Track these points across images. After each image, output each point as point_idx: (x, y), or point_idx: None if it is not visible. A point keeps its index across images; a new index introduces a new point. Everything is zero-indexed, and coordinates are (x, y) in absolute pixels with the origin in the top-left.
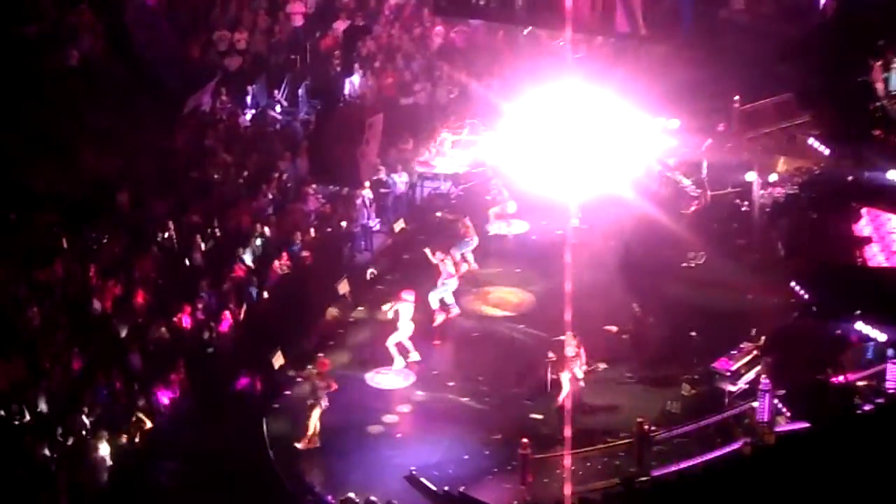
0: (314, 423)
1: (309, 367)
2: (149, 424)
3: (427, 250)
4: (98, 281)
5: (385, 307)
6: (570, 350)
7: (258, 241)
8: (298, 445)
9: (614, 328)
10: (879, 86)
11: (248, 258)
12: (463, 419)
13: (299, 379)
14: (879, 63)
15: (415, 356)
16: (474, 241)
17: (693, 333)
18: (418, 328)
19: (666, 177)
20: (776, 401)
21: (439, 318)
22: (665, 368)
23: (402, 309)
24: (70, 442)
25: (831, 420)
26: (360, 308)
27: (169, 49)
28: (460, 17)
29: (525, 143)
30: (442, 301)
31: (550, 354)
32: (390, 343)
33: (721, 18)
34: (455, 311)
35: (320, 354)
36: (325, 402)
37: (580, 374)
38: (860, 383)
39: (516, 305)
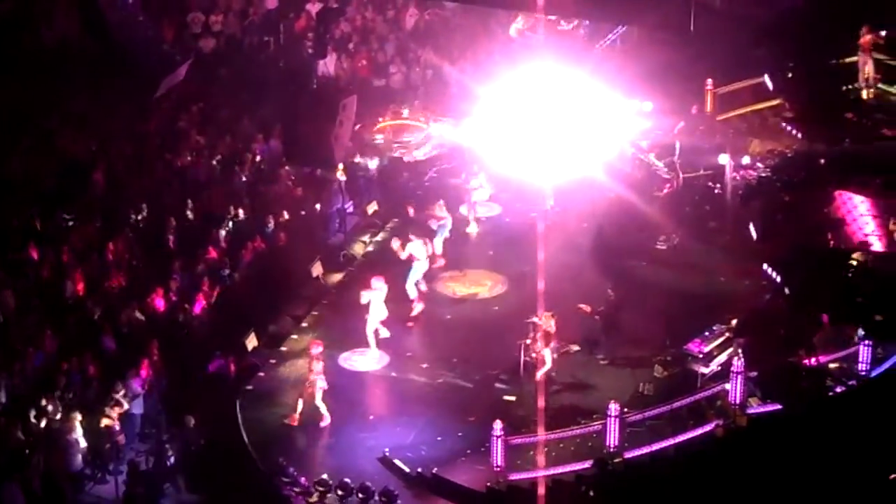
0: (320, 403)
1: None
2: (123, 407)
3: (394, 241)
4: (72, 263)
5: (363, 297)
6: (547, 327)
7: (231, 223)
8: (288, 421)
9: (587, 308)
10: (868, 67)
11: (221, 240)
12: (436, 401)
13: (271, 362)
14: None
15: (384, 332)
16: (449, 222)
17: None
18: (392, 311)
19: (639, 159)
20: (748, 383)
21: (418, 308)
22: (637, 350)
23: (374, 296)
24: (43, 425)
25: (803, 402)
26: (332, 290)
27: (143, 31)
28: None
29: (498, 126)
30: (418, 288)
31: (532, 332)
32: (369, 331)
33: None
34: (422, 287)
35: (312, 336)
36: (323, 383)
37: (554, 355)
38: (832, 365)
39: (490, 288)
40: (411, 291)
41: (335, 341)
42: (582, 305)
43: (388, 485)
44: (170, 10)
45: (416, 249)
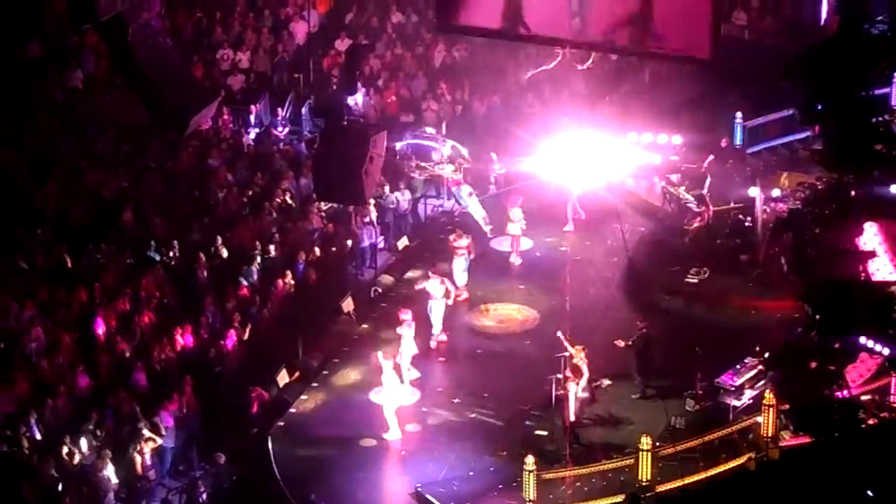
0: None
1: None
2: (155, 443)
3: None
4: (103, 300)
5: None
6: (578, 363)
7: (262, 260)
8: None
9: (621, 343)
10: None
11: (252, 276)
12: (468, 436)
13: (303, 398)
14: None
15: (414, 373)
16: (467, 258)
17: (698, 349)
18: (423, 346)
19: (669, 192)
20: (780, 415)
21: (439, 339)
22: (669, 383)
23: (405, 330)
24: (76, 462)
25: (836, 435)
26: (364, 325)
27: (172, 68)
28: (462, 34)
29: (531, 160)
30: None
31: (564, 367)
32: (403, 366)
33: (723, 34)
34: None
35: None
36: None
37: (585, 389)
38: (864, 397)
39: (521, 322)
40: (437, 325)
41: (366, 377)
42: (617, 341)
43: None
44: (199, 48)
45: (432, 287)
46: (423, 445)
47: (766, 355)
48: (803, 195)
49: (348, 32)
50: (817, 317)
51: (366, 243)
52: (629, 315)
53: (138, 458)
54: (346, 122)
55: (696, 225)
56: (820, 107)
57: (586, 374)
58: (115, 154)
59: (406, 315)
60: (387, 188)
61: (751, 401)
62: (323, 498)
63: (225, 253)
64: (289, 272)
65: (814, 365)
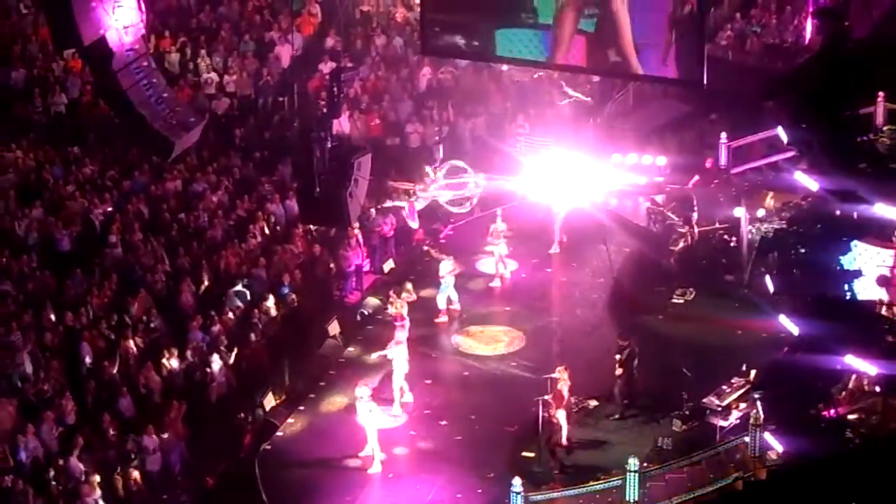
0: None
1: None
2: (142, 468)
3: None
4: (89, 325)
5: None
6: (563, 385)
7: (247, 283)
8: None
9: (617, 357)
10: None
11: (238, 300)
12: (455, 458)
13: (289, 422)
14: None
15: (408, 396)
16: (450, 280)
17: (685, 370)
18: (409, 369)
19: (654, 213)
20: (767, 435)
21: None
22: (656, 404)
23: (397, 350)
24: (63, 487)
25: (823, 454)
26: (350, 348)
27: (157, 92)
28: (446, 57)
29: (517, 181)
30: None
31: (550, 388)
32: (395, 386)
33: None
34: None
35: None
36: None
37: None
38: (851, 417)
39: (507, 344)
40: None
41: (352, 400)
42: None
43: None
44: (184, 71)
45: (397, 311)
46: (410, 468)
47: (752, 375)
48: (788, 215)
49: (332, 55)
50: (804, 336)
51: (352, 266)
52: (615, 336)
53: (126, 483)
54: (330, 146)
55: (681, 245)
56: (804, 126)
57: (566, 398)
58: (101, 179)
59: (403, 333)
60: (372, 211)
61: (738, 421)
62: None
63: (211, 277)
64: (275, 295)
65: (800, 384)
